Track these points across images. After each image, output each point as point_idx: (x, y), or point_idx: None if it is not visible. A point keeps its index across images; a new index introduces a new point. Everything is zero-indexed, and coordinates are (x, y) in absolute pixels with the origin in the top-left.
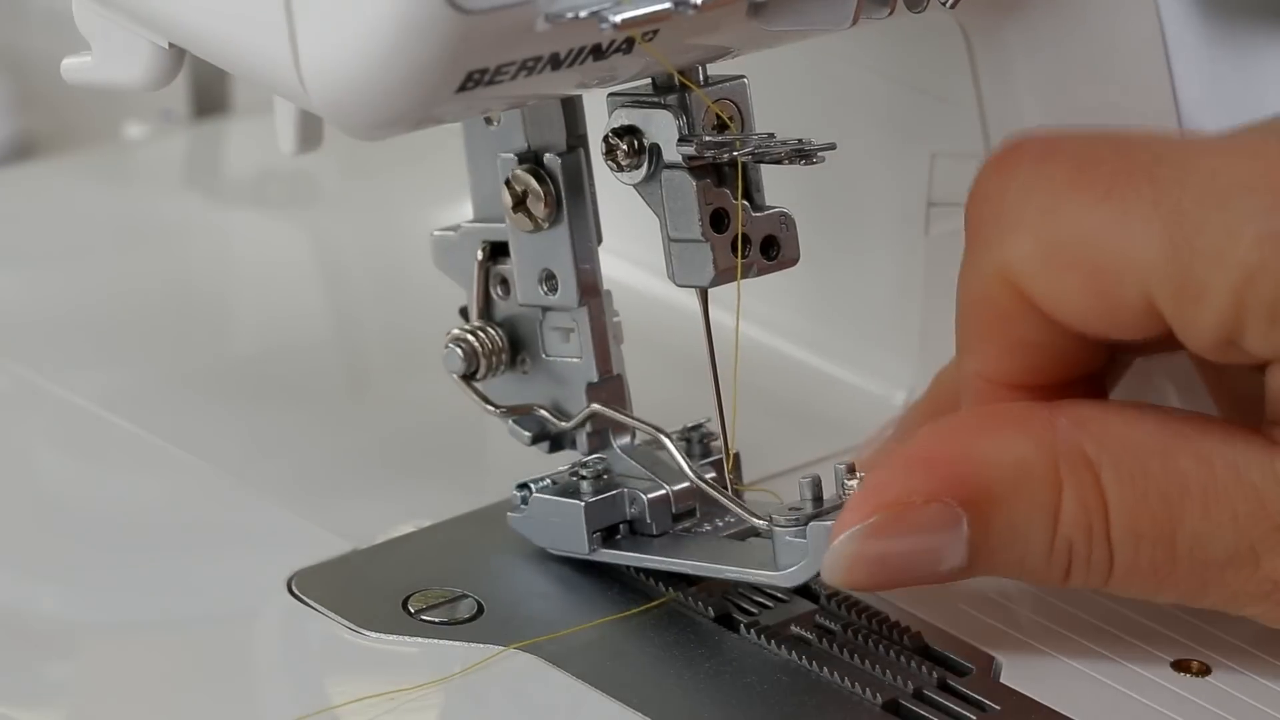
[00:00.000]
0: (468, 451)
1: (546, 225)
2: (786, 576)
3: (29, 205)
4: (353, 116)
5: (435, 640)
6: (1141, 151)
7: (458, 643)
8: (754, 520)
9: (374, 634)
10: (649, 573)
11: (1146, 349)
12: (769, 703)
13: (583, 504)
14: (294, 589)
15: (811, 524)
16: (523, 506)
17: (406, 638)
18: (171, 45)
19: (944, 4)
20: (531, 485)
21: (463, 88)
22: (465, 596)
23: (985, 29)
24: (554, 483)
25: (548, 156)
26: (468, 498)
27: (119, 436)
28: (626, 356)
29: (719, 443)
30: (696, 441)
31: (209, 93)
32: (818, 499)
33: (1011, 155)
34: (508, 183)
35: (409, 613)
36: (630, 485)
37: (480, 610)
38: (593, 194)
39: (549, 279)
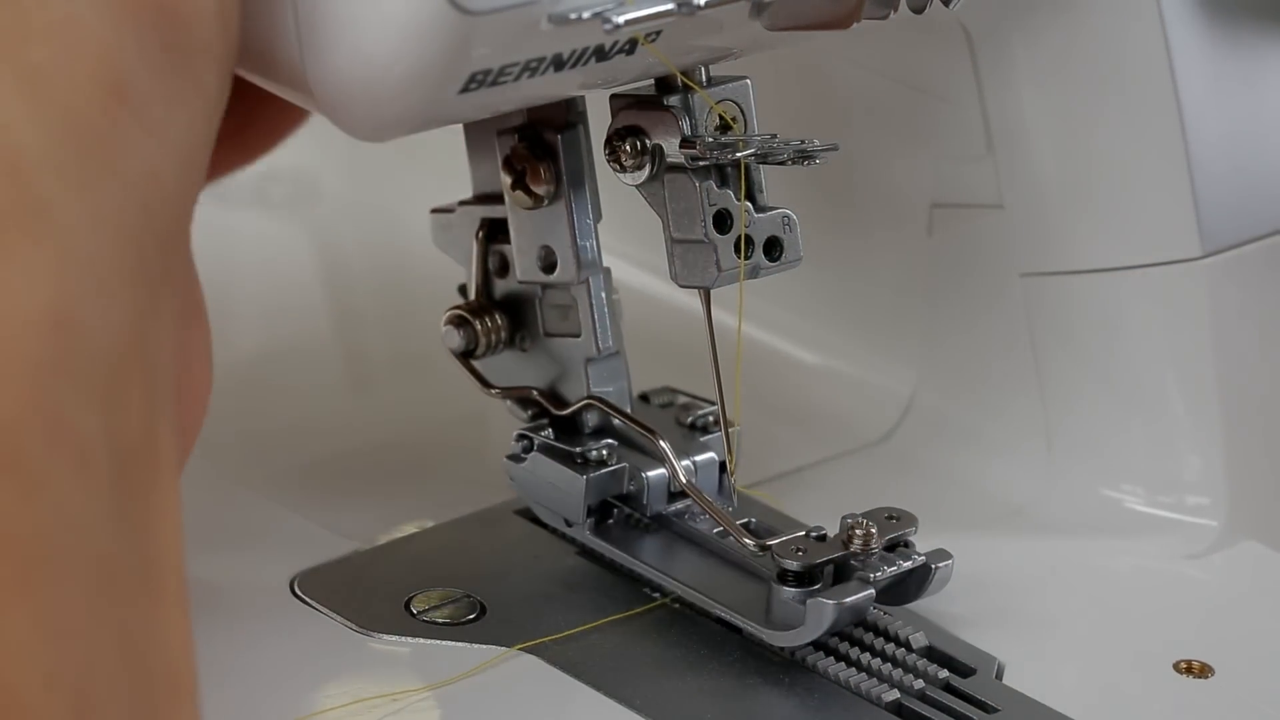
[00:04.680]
0: (470, 452)
1: (545, 202)
2: (778, 637)
3: None
4: (357, 118)
5: (437, 641)
6: None
7: (460, 643)
8: (747, 544)
9: (376, 634)
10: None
11: None
12: (772, 704)
13: (584, 478)
14: (296, 589)
15: (811, 600)
16: (523, 456)
17: (409, 638)
18: None
19: (946, 4)
20: (533, 438)
21: (466, 89)
22: (467, 597)
23: (988, 30)
24: (558, 448)
25: (546, 133)
26: (470, 498)
27: None
28: (629, 357)
29: (718, 422)
30: (696, 422)
31: None
32: (821, 537)
33: None
34: (507, 160)
35: (411, 613)
36: (633, 462)
37: (482, 611)
38: (592, 170)
39: (548, 256)
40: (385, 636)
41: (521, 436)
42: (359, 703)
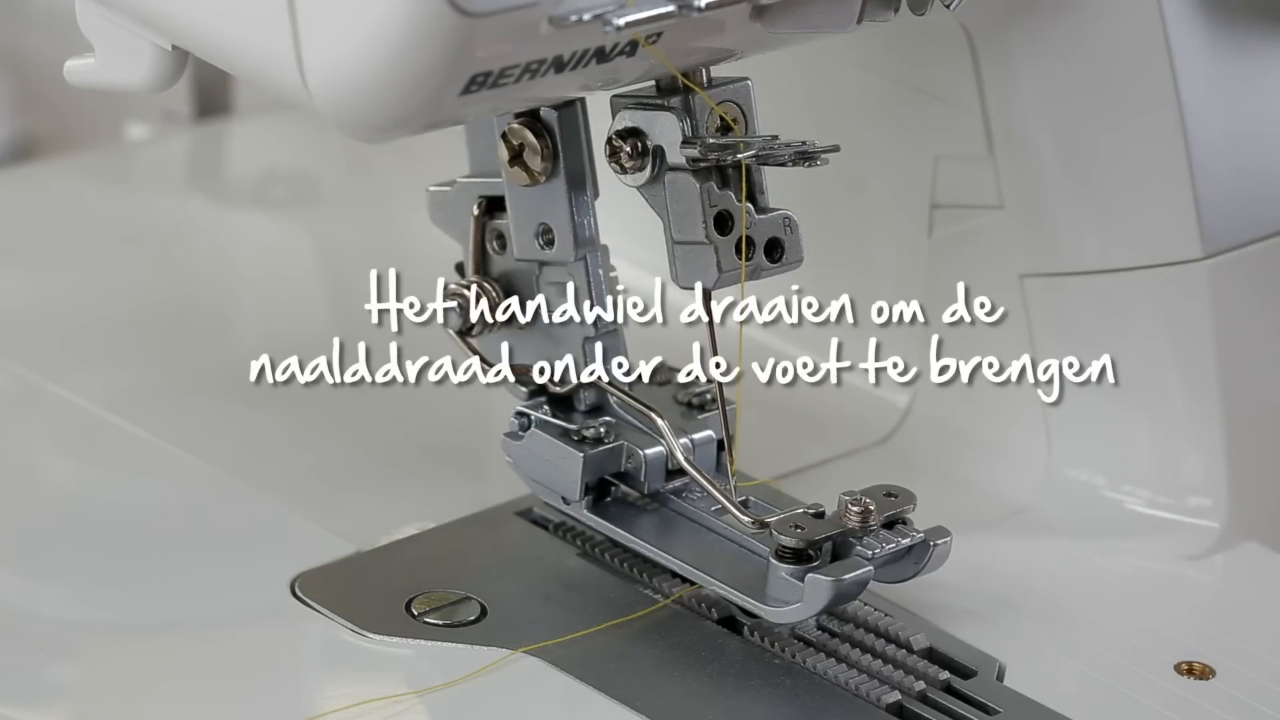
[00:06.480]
0: (471, 454)
1: (543, 179)
2: (775, 613)
3: (30, 206)
4: (356, 120)
5: (438, 643)
6: None
7: (460, 645)
8: (745, 521)
9: (377, 636)
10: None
11: None
12: (773, 705)
13: (582, 455)
14: (297, 591)
15: (810, 576)
16: (520, 434)
17: (409, 640)
18: (175, 47)
19: (947, 5)
20: (532, 416)
21: (467, 90)
22: (468, 599)
23: (988, 31)
24: (556, 425)
25: (544, 110)
26: (471, 500)
27: (121, 438)
28: (630, 357)
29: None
30: (694, 400)
31: (211, 94)
32: (819, 515)
33: None
34: (504, 136)
35: (412, 615)
36: (630, 439)
37: (483, 613)
38: (589, 147)
39: (545, 233)
40: (386, 638)
41: (519, 414)
42: (360, 705)
